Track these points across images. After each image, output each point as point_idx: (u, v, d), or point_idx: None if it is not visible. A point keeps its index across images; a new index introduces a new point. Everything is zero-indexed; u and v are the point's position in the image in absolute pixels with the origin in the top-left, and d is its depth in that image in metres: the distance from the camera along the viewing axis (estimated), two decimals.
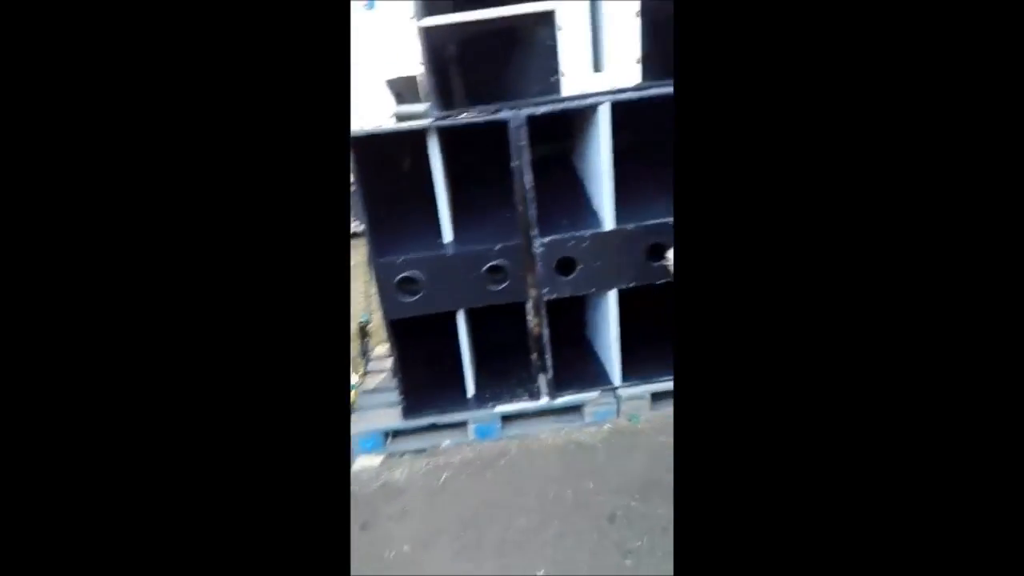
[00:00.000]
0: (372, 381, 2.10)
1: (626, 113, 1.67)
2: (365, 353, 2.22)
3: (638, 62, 1.73)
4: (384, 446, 1.83)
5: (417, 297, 1.68)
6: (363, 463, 1.79)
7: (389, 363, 2.19)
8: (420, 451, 1.82)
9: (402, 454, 1.81)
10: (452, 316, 1.79)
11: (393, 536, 1.50)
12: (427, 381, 1.93)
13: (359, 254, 3.32)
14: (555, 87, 1.66)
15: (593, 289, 1.80)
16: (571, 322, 2.17)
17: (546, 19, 1.58)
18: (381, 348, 2.29)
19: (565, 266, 1.74)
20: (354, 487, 1.71)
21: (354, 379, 2.09)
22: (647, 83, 1.70)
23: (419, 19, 1.48)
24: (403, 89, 2.83)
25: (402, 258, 1.65)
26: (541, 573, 1.33)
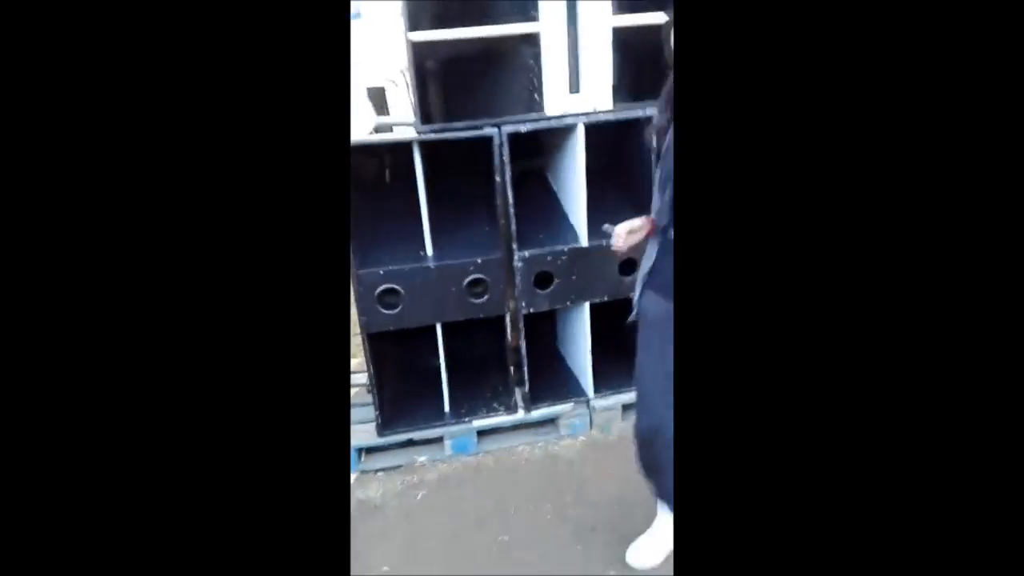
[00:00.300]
0: None
1: (598, 134, 1.75)
2: None
3: (611, 87, 1.82)
4: (358, 463, 1.77)
5: (397, 310, 1.66)
6: None
7: (359, 378, 2.14)
8: (395, 468, 1.78)
9: (376, 471, 1.77)
10: (429, 330, 1.78)
11: (372, 556, 1.45)
12: (402, 396, 1.90)
13: None
14: (536, 106, 1.71)
15: (568, 303, 1.85)
16: (542, 335, 2.20)
17: (531, 40, 1.63)
18: (353, 362, 2.22)
19: (543, 280, 1.78)
20: None
21: None
22: (619, 107, 1.78)
23: (408, 33, 1.49)
24: (373, 100, 2.80)
25: (383, 270, 1.63)
26: None
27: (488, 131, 1.59)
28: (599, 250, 1.75)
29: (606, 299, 1.83)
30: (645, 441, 1.27)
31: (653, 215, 1.19)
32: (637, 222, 1.24)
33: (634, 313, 1.26)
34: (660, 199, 1.16)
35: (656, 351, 1.20)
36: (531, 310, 1.79)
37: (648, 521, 1.39)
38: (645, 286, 1.22)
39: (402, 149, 1.62)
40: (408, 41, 1.49)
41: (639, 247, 1.27)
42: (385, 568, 1.42)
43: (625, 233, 1.24)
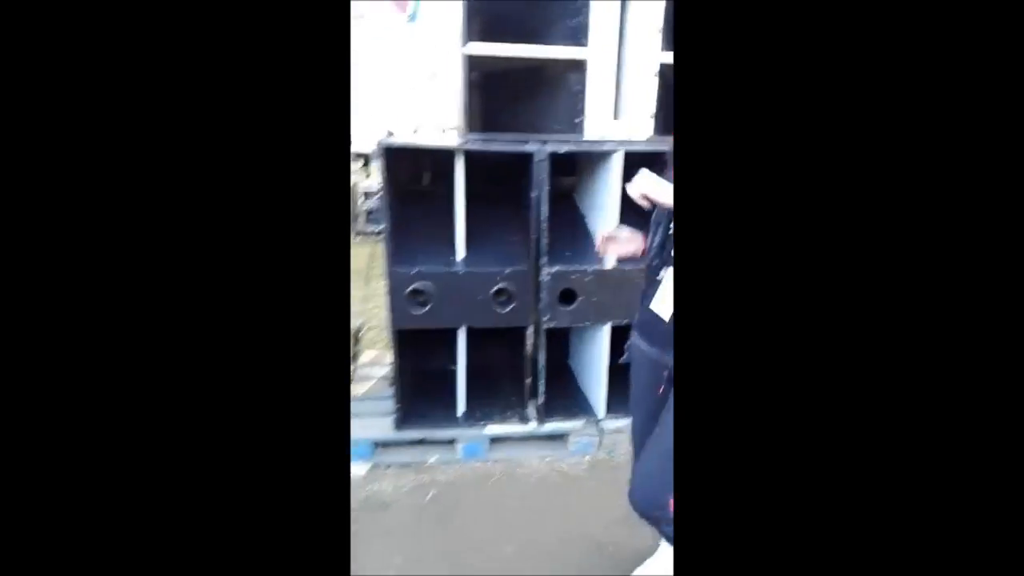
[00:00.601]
0: (359, 388, 2.07)
1: (634, 162, 1.80)
2: (354, 358, 2.19)
3: (651, 117, 1.88)
4: (372, 456, 1.80)
5: (425, 310, 1.70)
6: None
7: (375, 371, 2.17)
8: (406, 465, 1.80)
9: (388, 466, 1.79)
10: (451, 333, 1.81)
11: (379, 553, 1.47)
12: (420, 394, 1.93)
13: (360, 260, 3.29)
14: (577, 128, 1.76)
15: (588, 322, 1.88)
16: (555, 351, 2.24)
17: (579, 65, 1.69)
18: (366, 356, 2.26)
19: (567, 297, 1.82)
20: None
21: None
22: (657, 137, 1.84)
23: (464, 45, 1.55)
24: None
25: (415, 269, 1.67)
26: None
27: (531, 147, 1.65)
28: (622, 274, 1.80)
29: (625, 322, 1.87)
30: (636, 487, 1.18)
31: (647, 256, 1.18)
32: (624, 232, 1.25)
33: (625, 355, 1.26)
34: (650, 241, 1.16)
35: (638, 394, 1.21)
36: (553, 325, 1.82)
37: (654, 545, 1.41)
38: (632, 327, 1.23)
39: (444, 154, 1.67)
40: (464, 54, 1.55)
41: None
42: (391, 570, 1.43)
43: (604, 237, 1.24)
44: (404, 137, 1.62)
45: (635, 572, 1.39)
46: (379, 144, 1.59)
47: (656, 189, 1.05)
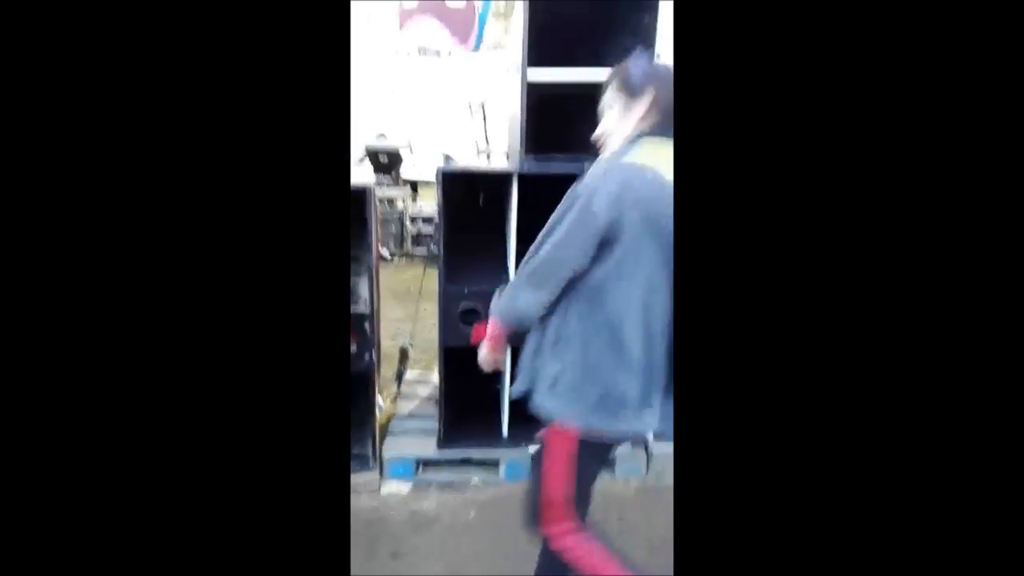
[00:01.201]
0: (404, 407, 2.09)
1: None
2: (400, 376, 2.21)
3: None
4: (415, 474, 1.80)
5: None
6: (392, 489, 1.76)
7: (420, 390, 2.19)
8: (448, 484, 1.79)
9: (430, 485, 1.79)
10: None
11: (422, 569, 1.46)
12: (464, 414, 1.93)
13: (407, 282, 3.38)
14: None
15: None
16: None
17: None
18: (411, 374, 2.28)
19: None
20: (384, 513, 1.66)
21: (385, 401, 2.08)
22: None
23: (524, 71, 1.60)
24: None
25: (467, 289, 1.69)
26: None
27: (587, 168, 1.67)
28: None
29: None
30: None
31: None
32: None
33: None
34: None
35: None
36: None
37: None
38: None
39: (499, 177, 1.71)
40: (525, 82, 1.60)
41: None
42: None
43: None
44: (461, 162, 1.67)
45: None
46: (438, 170, 1.65)
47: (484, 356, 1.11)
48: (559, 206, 1.05)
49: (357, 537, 1.55)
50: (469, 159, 1.77)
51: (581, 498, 1.07)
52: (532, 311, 1.01)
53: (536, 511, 1.07)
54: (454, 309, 1.70)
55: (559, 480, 1.03)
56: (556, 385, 1.00)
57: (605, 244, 0.96)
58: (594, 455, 1.07)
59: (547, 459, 1.05)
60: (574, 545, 1.05)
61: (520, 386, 1.07)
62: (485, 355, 1.15)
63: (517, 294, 1.03)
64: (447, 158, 1.69)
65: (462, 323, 1.71)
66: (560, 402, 1.01)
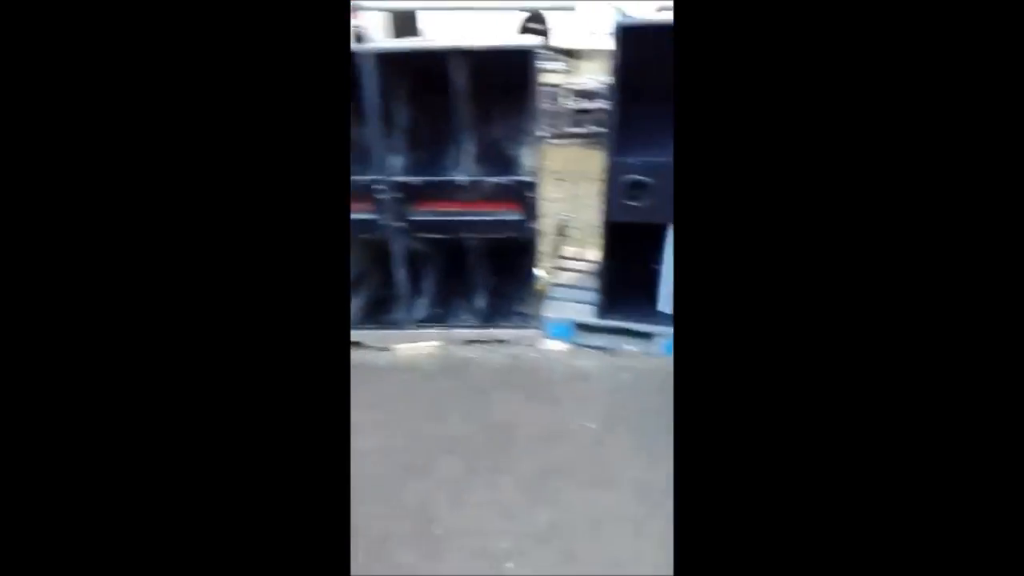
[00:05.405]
0: (560, 277, 2.22)
1: None
2: (556, 252, 2.33)
3: None
4: (573, 336, 1.96)
5: (643, 202, 1.70)
6: (552, 346, 1.95)
7: (576, 265, 2.29)
8: (604, 349, 1.93)
9: (587, 348, 1.94)
10: (661, 229, 1.80)
11: (579, 415, 1.65)
12: (623, 287, 1.99)
13: (566, 163, 3.41)
14: None
15: None
16: None
17: None
18: (567, 250, 2.38)
19: None
20: (543, 365, 1.88)
21: (544, 273, 2.23)
22: None
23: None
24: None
25: (633, 160, 1.66)
26: None
27: None
28: None
29: None
30: None
31: None
32: None
33: None
34: None
35: None
36: None
37: None
38: None
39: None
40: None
41: None
42: (592, 425, 1.60)
43: None
44: (641, 15, 1.54)
45: None
46: (615, 24, 1.54)
47: None
48: None
49: (519, 383, 1.79)
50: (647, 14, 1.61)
51: None
52: None
53: None
54: (621, 182, 1.68)
55: None
56: None
57: None
58: None
59: None
60: None
61: None
62: None
63: None
64: (621, 12, 1.55)
65: (628, 197, 1.70)
66: None
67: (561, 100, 4.12)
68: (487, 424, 1.62)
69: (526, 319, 2.00)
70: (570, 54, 4.30)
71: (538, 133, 1.80)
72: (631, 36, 1.53)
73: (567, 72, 4.27)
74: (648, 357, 1.89)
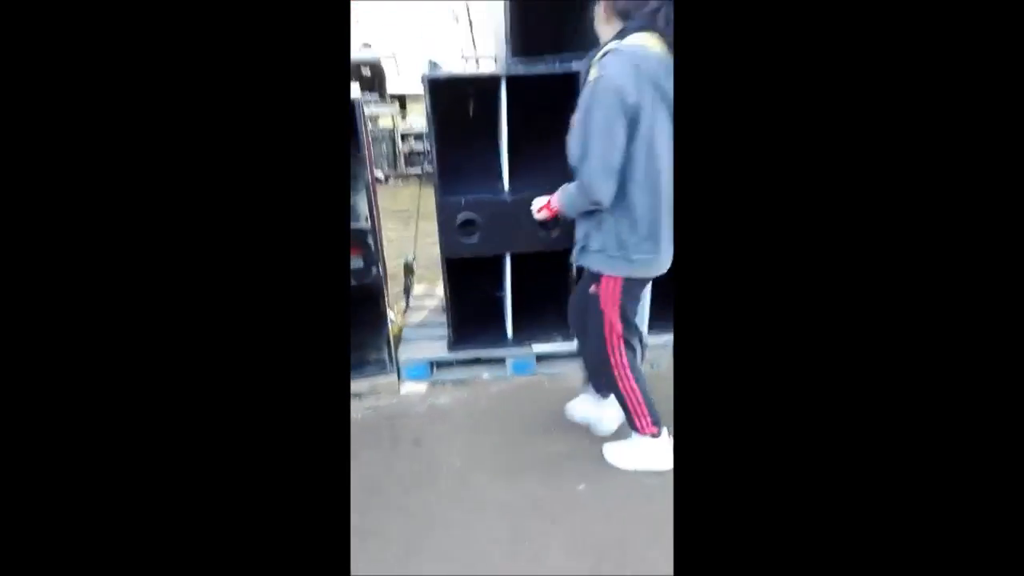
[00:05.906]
0: (414, 317, 2.22)
1: None
2: (408, 290, 2.33)
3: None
4: (430, 375, 1.96)
5: (474, 238, 1.79)
6: (410, 388, 1.93)
7: (427, 303, 2.31)
8: (461, 381, 1.96)
9: (444, 383, 1.95)
10: (499, 260, 1.91)
11: (442, 452, 1.65)
12: (471, 319, 2.06)
13: (405, 201, 3.38)
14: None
15: None
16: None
17: None
18: (418, 289, 2.40)
19: None
20: (404, 408, 1.84)
21: (395, 315, 2.21)
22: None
23: None
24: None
25: (464, 199, 1.75)
26: (581, 487, 1.49)
27: (577, 67, 1.65)
28: None
29: None
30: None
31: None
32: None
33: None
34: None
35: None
36: None
37: None
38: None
39: (487, 83, 1.70)
40: None
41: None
42: (457, 463, 1.61)
43: (537, 208, 1.50)
44: (447, 68, 1.65)
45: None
46: (424, 78, 1.63)
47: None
48: (580, 101, 1.28)
49: (382, 430, 1.74)
50: (456, 66, 1.74)
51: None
52: (608, 198, 1.28)
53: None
54: (453, 221, 1.76)
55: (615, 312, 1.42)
56: (602, 250, 1.36)
57: (632, 123, 1.21)
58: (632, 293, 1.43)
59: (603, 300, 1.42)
60: (622, 359, 1.49)
61: (575, 254, 1.44)
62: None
63: (595, 187, 1.27)
64: (433, 65, 1.65)
65: (461, 235, 1.78)
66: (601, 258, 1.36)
67: (399, 142, 4.19)
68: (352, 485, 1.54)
69: (382, 366, 1.96)
70: (402, 100, 4.42)
71: (371, 177, 1.81)
72: (441, 87, 1.63)
73: (400, 114, 4.36)
74: (503, 381, 1.96)
